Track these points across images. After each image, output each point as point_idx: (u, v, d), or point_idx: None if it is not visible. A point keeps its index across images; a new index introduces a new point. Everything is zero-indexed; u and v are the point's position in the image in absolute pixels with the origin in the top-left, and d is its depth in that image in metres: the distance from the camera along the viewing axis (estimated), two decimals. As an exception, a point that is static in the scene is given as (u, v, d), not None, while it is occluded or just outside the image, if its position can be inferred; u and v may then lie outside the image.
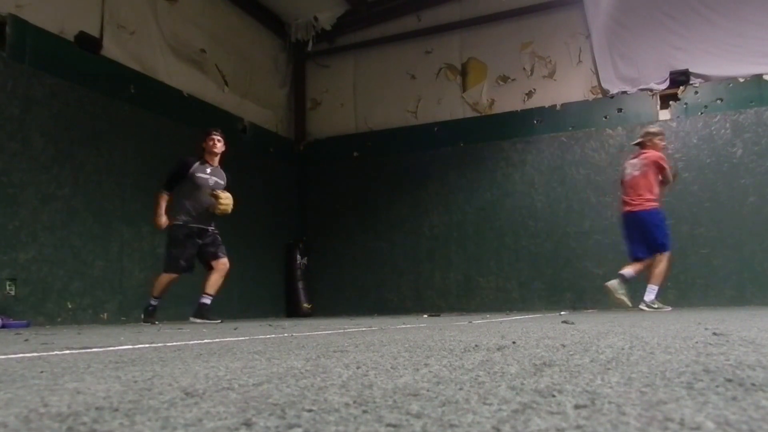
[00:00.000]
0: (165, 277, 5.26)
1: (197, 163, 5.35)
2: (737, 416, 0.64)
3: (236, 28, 8.42)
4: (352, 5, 9.02)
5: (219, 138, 5.46)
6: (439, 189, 8.42)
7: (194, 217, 5.29)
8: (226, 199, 5.28)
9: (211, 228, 5.41)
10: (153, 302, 5.30)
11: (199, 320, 5.24)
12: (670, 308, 5.58)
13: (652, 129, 6.07)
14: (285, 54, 9.41)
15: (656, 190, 5.66)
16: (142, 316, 5.35)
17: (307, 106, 9.62)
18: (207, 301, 5.31)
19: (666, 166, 5.70)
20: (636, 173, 5.69)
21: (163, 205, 5.26)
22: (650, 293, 5.54)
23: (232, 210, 5.36)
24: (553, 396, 0.79)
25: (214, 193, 5.32)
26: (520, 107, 8.26)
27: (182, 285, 6.79)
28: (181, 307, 6.75)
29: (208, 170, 5.39)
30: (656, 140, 5.77)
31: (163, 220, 5.25)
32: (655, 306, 5.49)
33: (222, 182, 5.45)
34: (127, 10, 6.58)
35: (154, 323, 5.20)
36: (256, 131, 8.45)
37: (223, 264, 5.38)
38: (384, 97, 9.09)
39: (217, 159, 5.46)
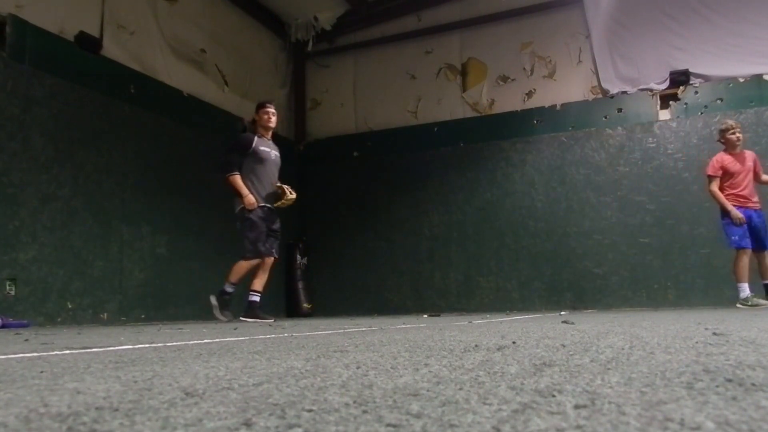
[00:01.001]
0: (245, 264, 5.05)
1: (256, 138, 5.20)
2: (737, 416, 0.64)
3: (236, 28, 8.42)
4: (352, 5, 9.02)
5: (274, 111, 5.34)
6: (439, 189, 8.42)
7: (263, 196, 5.14)
8: (293, 198, 5.27)
9: (276, 214, 5.28)
10: (229, 289, 5.07)
11: (250, 319, 5.04)
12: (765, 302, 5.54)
13: (719, 125, 6.11)
14: (285, 54, 9.41)
15: (724, 192, 5.75)
16: (214, 301, 5.07)
17: (307, 106, 9.62)
18: (257, 298, 5.13)
19: (708, 170, 5.79)
20: None
21: (243, 184, 5.05)
22: (739, 292, 5.61)
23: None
24: (553, 396, 0.79)
25: (283, 187, 5.25)
26: (520, 107, 8.26)
27: (184, 283, 6.81)
28: (181, 307, 6.77)
29: (268, 144, 5.25)
30: (724, 137, 5.84)
31: (252, 198, 5.03)
32: (749, 303, 5.48)
33: (278, 155, 5.38)
34: (127, 10, 6.58)
35: (226, 316, 5.00)
36: (256, 131, 8.44)
37: (272, 262, 5.21)
38: (384, 97, 9.09)
39: (270, 133, 5.36)
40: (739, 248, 5.57)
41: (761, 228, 5.66)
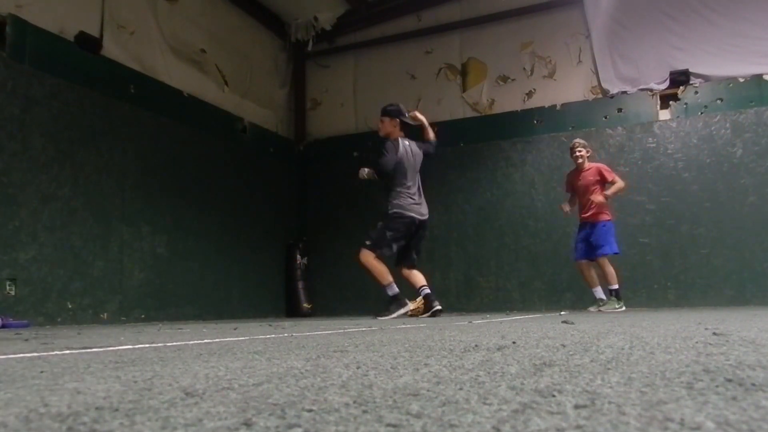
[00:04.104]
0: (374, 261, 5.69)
1: None
2: (737, 416, 0.64)
3: (236, 28, 8.42)
4: (352, 5, 9.01)
5: None
6: (439, 189, 8.40)
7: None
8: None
9: None
10: (392, 292, 5.72)
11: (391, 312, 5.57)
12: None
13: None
14: (285, 54, 9.41)
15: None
16: (428, 310, 5.61)
17: (307, 106, 9.62)
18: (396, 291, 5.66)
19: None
20: None
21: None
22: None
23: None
24: (553, 396, 0.79)
25: None
26: (520, 107, 8.25)
27: (184, 283, 6.81)
28: (181, 307, 6.77)
29: None
30: (572, 155, 6.49)
31: None
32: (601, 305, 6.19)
33: None
34: (127, 10, 6.58)
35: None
36: (256, 131, 8.45)
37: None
38: (384, 97, 9.05)
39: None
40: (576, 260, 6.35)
41: (593, 238, 6.14)
